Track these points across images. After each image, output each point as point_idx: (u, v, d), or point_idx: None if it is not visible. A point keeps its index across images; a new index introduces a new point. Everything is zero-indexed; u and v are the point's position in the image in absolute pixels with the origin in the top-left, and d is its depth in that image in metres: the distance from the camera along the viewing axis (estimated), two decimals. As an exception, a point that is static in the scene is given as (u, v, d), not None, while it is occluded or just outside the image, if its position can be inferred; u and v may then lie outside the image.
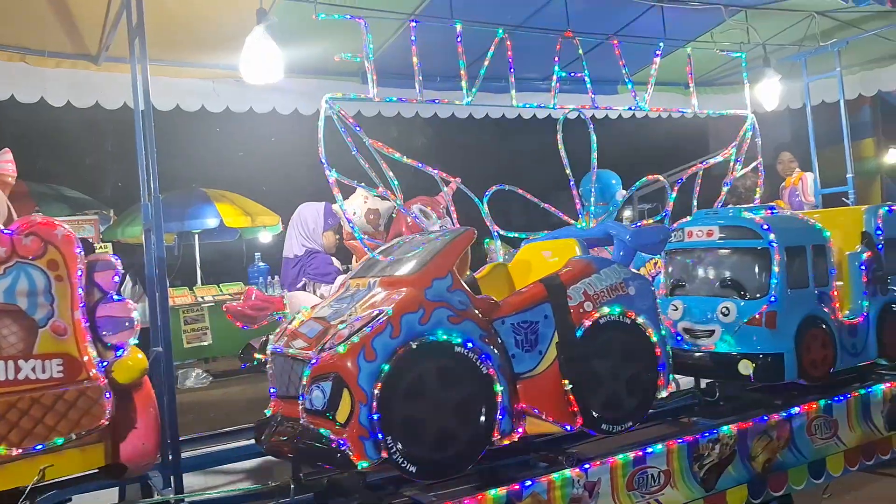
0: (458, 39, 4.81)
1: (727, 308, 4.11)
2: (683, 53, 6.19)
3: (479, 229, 5.00)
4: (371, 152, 4.55)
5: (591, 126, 5.40)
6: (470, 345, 2.99)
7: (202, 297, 11.37)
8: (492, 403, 3.02)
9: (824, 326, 4.17)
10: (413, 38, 4.85)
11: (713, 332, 4.15)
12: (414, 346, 2.89)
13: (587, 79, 5.47)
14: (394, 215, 5.44)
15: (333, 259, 5.29)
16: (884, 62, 7.97)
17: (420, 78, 4.71)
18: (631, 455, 3.41)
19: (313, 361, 2.97)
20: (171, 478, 3.63)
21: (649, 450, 3.49)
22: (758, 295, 4.08)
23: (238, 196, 13.29)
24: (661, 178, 5.67)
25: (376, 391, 2.80)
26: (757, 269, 4.13)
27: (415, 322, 2.95)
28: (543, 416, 3.20)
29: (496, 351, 3.09)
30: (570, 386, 3.22)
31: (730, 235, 4.24)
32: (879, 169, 13.88)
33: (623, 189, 6.36)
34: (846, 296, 4.51)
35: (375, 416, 2.79)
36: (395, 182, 4.68)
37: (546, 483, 3.14)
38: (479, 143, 14.41)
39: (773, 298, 4.03)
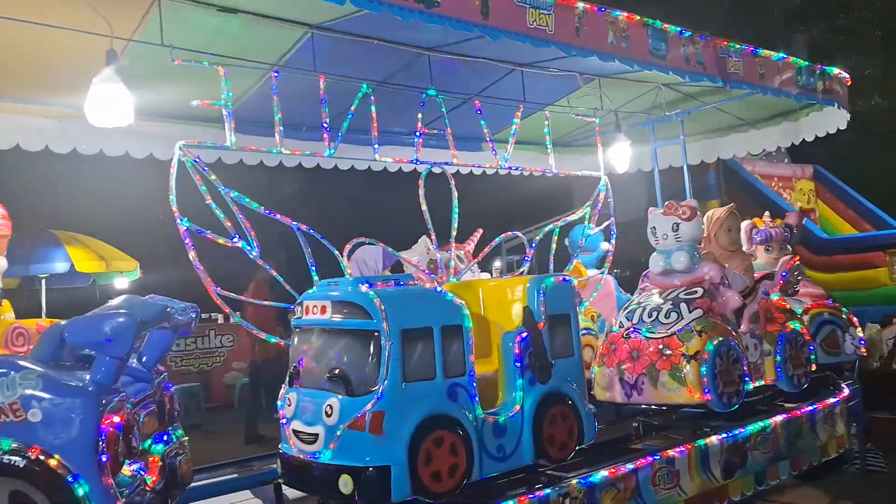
0: (322, 93, 4.81)
1: (331, 406, 3.34)
2: (542, 115, 6.50)
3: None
4: (227, 202, 4.42)
5: (453, 182, 5.51)
6: None
7: (46, 348, 10.51)
8: None
9: (455, 428, 3.41)
10: (274, 88, 4.80)
11: (317, 436, 3.40)
12: None
13: (450, 136, 5.61)
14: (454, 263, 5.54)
15: None
16: (722, 132, 8.68)
17: (280, 128, 4.65)
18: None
19: None
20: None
21: (500, 507, 3.52)
22: (369, 390, 3.29)
23: (92, 239, 12.50)
24: (519, 234, 5.86)
25: None
26: (365, 358, 3.35)
27: None
28: None
29: None
30: None
31: (341, 313, 3.48)
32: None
33: (605, 242, 6.74)
34: (498, 385, 3.85)
35: None
36: (251, 233, 4.56)
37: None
38: (344, 193, 14.38)
39: (380, 395, 3.26)
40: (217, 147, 4.50)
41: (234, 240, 4.53)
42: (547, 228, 5.95)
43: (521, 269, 5.78)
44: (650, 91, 7.02)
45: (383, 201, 13.27)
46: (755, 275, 5.62)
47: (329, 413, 3.34)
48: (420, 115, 5.37)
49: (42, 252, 11.56)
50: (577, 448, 4.00)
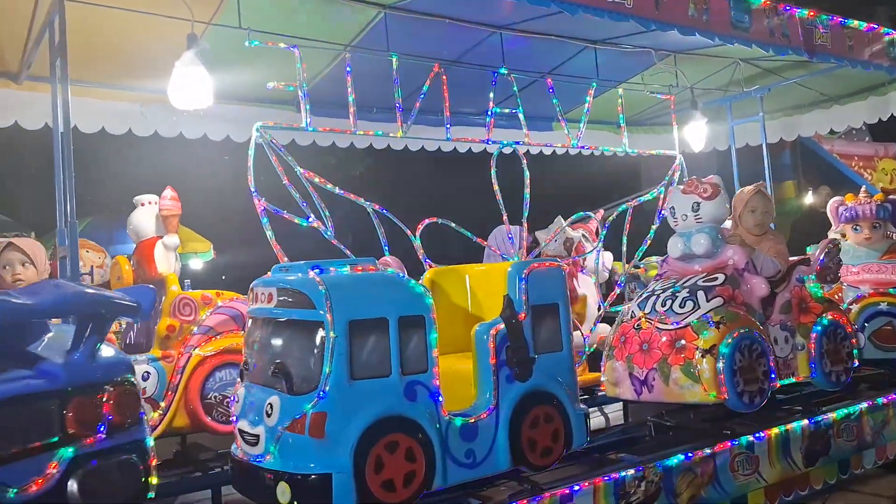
0: (395, 72, 4.83)
1: (271, 405, 3.01)
2: (615, 93, 6.35)
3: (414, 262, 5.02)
4: (302, 182, 4.49)
5: (525, 161, 5.46)
6: None
7: (127, 326, 10.93)
8: None
9: (413, 431, 3.05)
10: (348, 68, 4.83)
11: (258, 437, 3.08)
12: None
13: (521, 115, 5.55)
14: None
15: None
16: (803, 109, 8.35)
17: (354, 108, 4.68)
18: (558, 493, 3.40)
19: None
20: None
21: (576, 488, 3.49)
22: (311, 388, 2.94)
23: (168, 221, 12.91)
24: (592, 215, 5.78)
25: None
26: (308, 352, 3.00)
27: None
28: None
29: None
30: None
31: (286, 302, 3.13)
32: (800, 210, 14.50)
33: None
34: (471, 382, 3.43)
35: None
36: (326, 213, 4.63)
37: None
38: (414, 174, 14.49)
39: (322, 394, 2.90)
40: (293, 129, 4.57)
41: (310, 219, 4.61)
42: (620, 208, 5.85)
43: (594, 250, 5.72)
44: (727, 67, 6.80)
45: (453, 182, 13.27)
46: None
47: (269, 413, 3.02)
48: (491, 95, 5.32)
49: (123, 233, 11.99)
50: (565, 453, 3.61)
